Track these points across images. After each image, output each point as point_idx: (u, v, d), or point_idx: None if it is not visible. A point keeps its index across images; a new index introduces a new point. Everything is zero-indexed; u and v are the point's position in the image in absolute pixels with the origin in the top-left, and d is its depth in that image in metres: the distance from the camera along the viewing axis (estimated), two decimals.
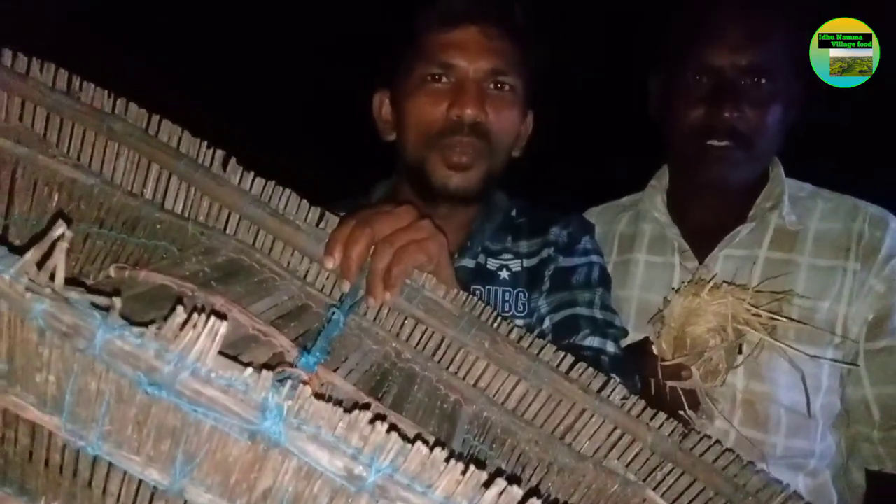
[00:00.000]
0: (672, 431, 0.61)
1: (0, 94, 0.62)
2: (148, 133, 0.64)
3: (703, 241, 1.11)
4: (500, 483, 0.31)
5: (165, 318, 0.32)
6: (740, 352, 0.98)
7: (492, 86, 0.88)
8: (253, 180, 0.64)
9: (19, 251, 0.33)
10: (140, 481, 0.35)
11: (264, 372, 0.32)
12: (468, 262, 0.94)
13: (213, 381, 0.31)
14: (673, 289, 1.07)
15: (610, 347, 0.87)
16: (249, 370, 0.32)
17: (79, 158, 0.63)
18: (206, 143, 0.65)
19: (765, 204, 1.09)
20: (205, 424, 0.32)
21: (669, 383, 0.96)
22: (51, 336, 0.32)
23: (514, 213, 1.01)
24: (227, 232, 0.64)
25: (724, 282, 1.00)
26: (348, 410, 0.32)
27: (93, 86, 0.64)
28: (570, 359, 0.63)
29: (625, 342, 1.02)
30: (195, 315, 0.32)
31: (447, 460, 0.31)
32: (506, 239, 0.98)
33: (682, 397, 0.95)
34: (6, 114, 0.62)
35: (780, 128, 1.03)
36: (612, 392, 0.62)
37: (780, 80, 1.00)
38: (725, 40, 0.99)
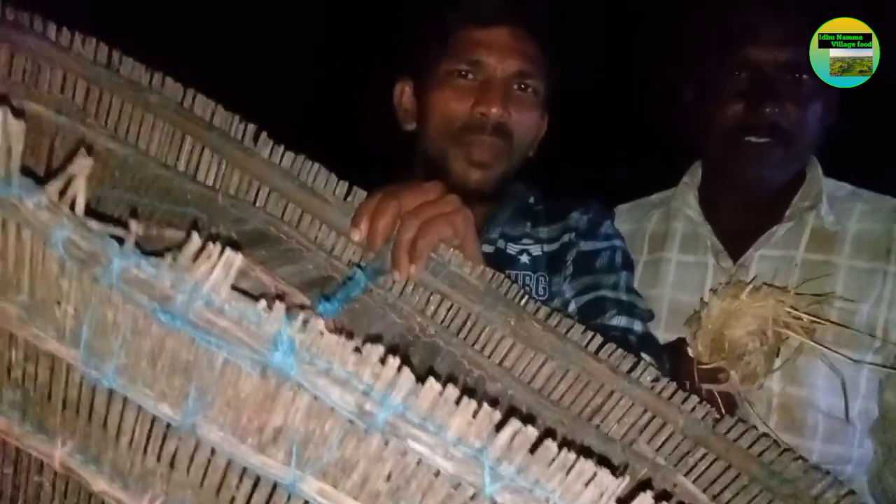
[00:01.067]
0: (705, 415, 0.59)
1: (44, 66, 0.64)
2: (182, 106, 0.65)
3: (737, 240, 1.08)
4: (514, 424, 0.30)
5: (180, 247, 0.32)
6: (777, 355, 0.95)
7: (516, 87, 0.89)
8: (283, 154, 0.65)
9: (43, 183, 0.34)
10: (153, 421, 0.35)
11: (277, 304, 0.31)
12: (486, 248, 0.93)
13: (226, 311, 0.31)
14: (711, 290, 1.04)
15: (637, 327, 0.86)
16: (263, 302, 0.32)
17: (115, 130, 0.65)
18: (238, 117, 0.66)
19: (802, 203, 1.06)
20: (217, 359, 0.32)
21: (705, 386, 0.93)
22: (70, 266, 0.33)
23: (531, 200, 1.01)
24: (257, 205, 0.65)
25: (764, 283, 0.97)
26: (360, 348, 0.31)
27: (131, 60, 0.66)
28: (598, 339, 0.61)
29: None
30: (210, 246, 0.32)
31: (459, 400, 0.30)
32: (525, 225, 0.98)
33: (719, 400, 0.92)
34: (48, 85, 0.64)
35: (819, 126, 1.01)
36: (642, 373, 0.60)
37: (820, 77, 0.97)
38: (766, 36, 0.97)
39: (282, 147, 0.65)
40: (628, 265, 0.96)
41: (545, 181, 1.04)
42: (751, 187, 1.05)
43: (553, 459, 0.29)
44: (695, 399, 0.59)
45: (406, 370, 0.30)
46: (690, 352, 0.95)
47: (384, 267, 0.60)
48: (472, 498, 0.30)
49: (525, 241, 0.96)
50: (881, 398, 1.00)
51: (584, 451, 0.30)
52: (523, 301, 0.62)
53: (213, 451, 0.35)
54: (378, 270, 0.59)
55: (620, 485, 0.29)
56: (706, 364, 0.92)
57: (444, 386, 0.31)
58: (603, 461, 0.32)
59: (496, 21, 0.88)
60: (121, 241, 0.32)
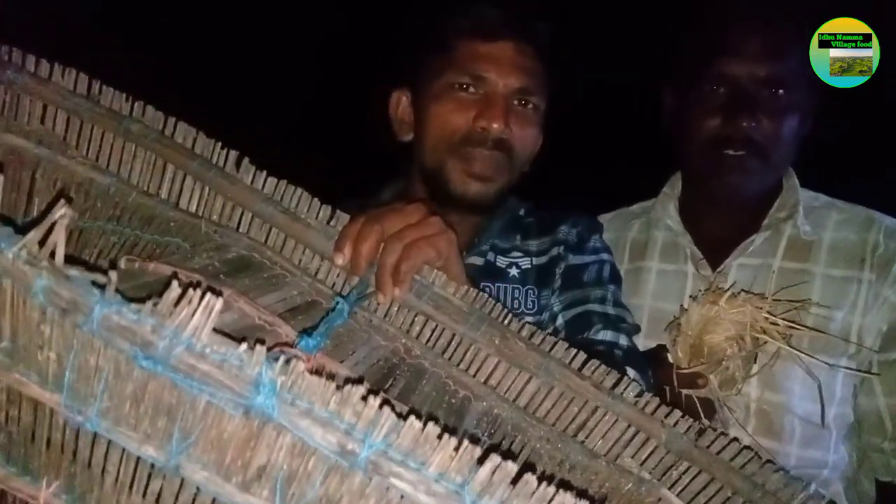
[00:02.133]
0: (688, 429, 0.60)
1: (23, 98, 0.64)
2: (164, 134, 0.65)
3: (715, 249, 1.10)
4: (495, 459, 0.30)
5: (161, 294, 0.32)
6: (755, 360, 0.97)
7: (517, 102, 0.89)
8: (265, 179, 0.65)
9: (24, 233, 0.34)
10: (137, 462, 0.36)
11: (258, 347, 0.32)
12: (476, 260, 0.94)
13: (207, 356, 0.31)
14: (690, 297, 1.06)
15: (623, 341, 0.87)
16: (244, 346, 0.32)
17: (97, 159, 0.65)
18: (219, 143, 0.66)
19: (779, 214, 1.08)
20: (200, 401, 0.33)
21: (685, 391, 0.95)
22: (51, 312, 0.33)
23: (522, 212, 1.02)
24: (240, 230, 0.65)
25: (742, 291, 0.99)
26: (341, 387, 0.32)
27: (111, 89, 0.66)
28: (582, 356, 0.62)
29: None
30: (191, 291, 0.32)
31: (440, 436, 0.31)
32: (515, 238, 0.99)
33: (698, 405, 0.94)
34: (28, 117, 0.64)
35: (795, 138, 1.03)
36: (625, 389, 0.61)
37: (797, 90, 1.00)
38: (744, 51, 0.99)
39: (264, 172, 0.65)
40: (616, 279, 0.97)
41: (533, 187, 1.04)
42: (728, 198, 1.07)
43: (533, 493, 0.30)
44: (678, 413, 0.60)
45: (387, 409, 0.31)
46: (670, 358, 0.97)
47: (368, 290, 0.60)
48: None
49: (515, 254, 0.97)
50: (856, 403, 1.02)
51: (564, 485, 0.31)
52: (507, 320, 0.63)
53: (197, 490, 0.35)
54: (362, 294, 0.59)
55: None
56: (686, 369, 0.94)
57: (424, 423, 0.31)
58: (582, 494, 0.32)
59: (501, 36, 0.88)
60: (102, 286, 0.33)
